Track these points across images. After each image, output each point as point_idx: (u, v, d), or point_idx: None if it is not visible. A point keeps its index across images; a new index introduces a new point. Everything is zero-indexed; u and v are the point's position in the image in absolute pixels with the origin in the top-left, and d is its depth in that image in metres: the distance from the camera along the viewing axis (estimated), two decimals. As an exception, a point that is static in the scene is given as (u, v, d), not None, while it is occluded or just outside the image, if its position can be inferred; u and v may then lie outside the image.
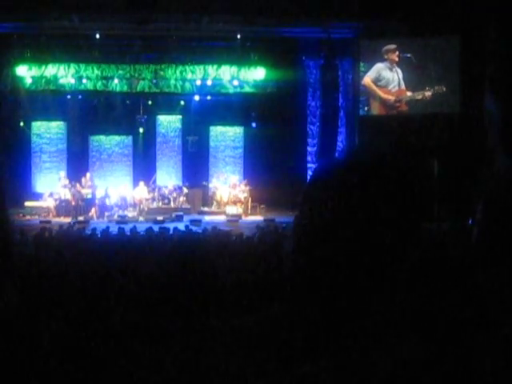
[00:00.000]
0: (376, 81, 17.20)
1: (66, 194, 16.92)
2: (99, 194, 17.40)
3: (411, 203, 1.04)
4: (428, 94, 16.73)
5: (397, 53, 16.83)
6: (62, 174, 17.67)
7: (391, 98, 17.12)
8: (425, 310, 1.13)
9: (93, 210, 16.87)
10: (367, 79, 17.22)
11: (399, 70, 16.99)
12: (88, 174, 17.67)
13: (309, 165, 17.87)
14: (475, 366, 1.03)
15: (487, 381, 1.02)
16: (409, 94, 16.98)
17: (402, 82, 17.01)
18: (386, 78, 17.11)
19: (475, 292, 1.24)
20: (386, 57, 16.97)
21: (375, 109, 17.47)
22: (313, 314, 1.05)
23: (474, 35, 14.95)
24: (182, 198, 17.86)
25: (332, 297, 1.03)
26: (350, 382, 0.99)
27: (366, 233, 1.01)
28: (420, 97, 16.85)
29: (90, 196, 17.02)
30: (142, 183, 17.76)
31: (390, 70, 17.08)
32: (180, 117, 19.25)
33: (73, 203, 16.72)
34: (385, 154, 1.07)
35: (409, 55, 16.66)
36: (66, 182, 17.25)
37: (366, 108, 17.48)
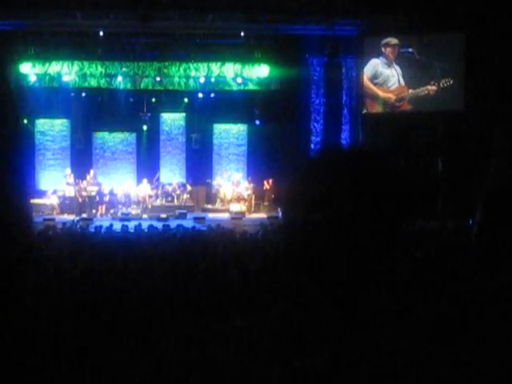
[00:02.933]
0: (373, 78, 16.61)
1: (70, 192, 16.94)
2: (103, 191, 17.42)
3: (388, 202, 1.02)
4: (433, 88, 16.13)
5: (396, 47, 16.25)
6: (68, 171, 17.65)
7: (391, 96, 16.57)
8: (423, 308, 1.12)
9: (97, 207, 16.90)
10: (363, 78, 16.71)
11: (397, 66, 16.35)
12: (92, 172, 17.69)
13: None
14: (475, 367, 1.02)
15: (485, 380, 1.02)
16: (410, 90, 16.37)
17: (402, 79, 16.38)
18: (383, 75, 16.53)
19: (475, 290, 1.23)
20: (383, 51, 16.39)
21: (374, 109, 16.91)
22: (309, 309, 1.04)
23: (478, 31, 14.90)
24: (185, 196, 17.87)
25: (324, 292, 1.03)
26: (348, 375, 0.99)
27: (342, 230, 1.00)
28: (424, 93, 16.25)
29: (93, 193, 17.04)
30: (145, 180, 17.77)
31: (388, 65, 16.45)
32: (184, 114, 19.24)
33: (76, 200, 16.74)
34: (371, 152, 1.05)
35: (410, 50, 16.05)
36: (72, 179, 17.26)
37: (364, 111, 17.02)
